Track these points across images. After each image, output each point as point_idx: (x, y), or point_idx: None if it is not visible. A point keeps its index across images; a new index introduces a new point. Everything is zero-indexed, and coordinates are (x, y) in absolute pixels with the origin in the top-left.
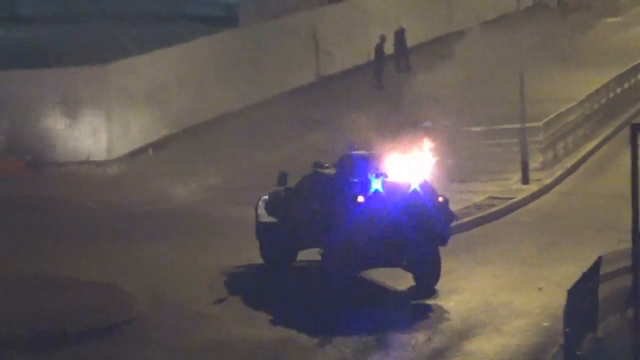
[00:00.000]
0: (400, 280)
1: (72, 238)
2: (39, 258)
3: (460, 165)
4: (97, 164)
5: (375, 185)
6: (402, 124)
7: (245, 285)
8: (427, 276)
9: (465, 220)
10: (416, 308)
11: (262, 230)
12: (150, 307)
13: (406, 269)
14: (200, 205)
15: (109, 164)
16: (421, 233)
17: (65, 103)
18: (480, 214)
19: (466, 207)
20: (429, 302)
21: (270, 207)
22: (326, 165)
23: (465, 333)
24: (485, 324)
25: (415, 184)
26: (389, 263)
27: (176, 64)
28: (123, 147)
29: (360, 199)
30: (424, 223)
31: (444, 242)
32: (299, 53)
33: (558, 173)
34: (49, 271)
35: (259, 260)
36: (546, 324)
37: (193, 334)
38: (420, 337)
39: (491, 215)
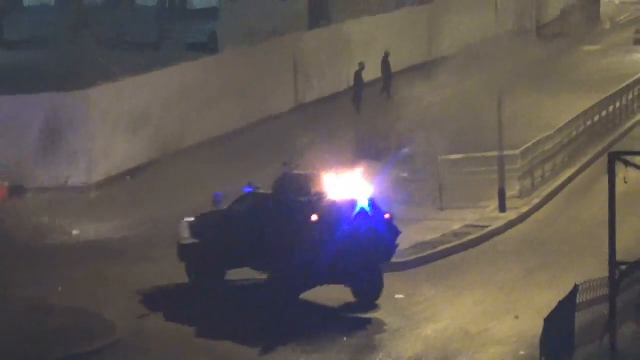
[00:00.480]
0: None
1: (48, 264)
2: (16, 285)
3: (438, 193)
4: (76, 189)
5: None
6: (381, 149)
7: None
8: (373, 291)
9: (442, 247)
10: (393, 335)
11: (184, 252)
12: (131, 332)
13: (347, 284)
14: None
15: (88, 189)
16: (369, 249)
17: (47, 128)
18: (457, 242)
19: (443, 235)
20: (406, 330)
21: (197, 229)
22: (258, 186)
23: None
24: (462, 353)
25: (362, 202)
26: (335, 280)
27: (160, 89)
28: (103, 172)
29: (315, 217)
30: (371, 240)
31: (390, 257)
32: (280, 79)
33: (535, 201)
34: (25, 297)
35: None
36: (522, 353)
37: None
38: None
39: (468, 243)
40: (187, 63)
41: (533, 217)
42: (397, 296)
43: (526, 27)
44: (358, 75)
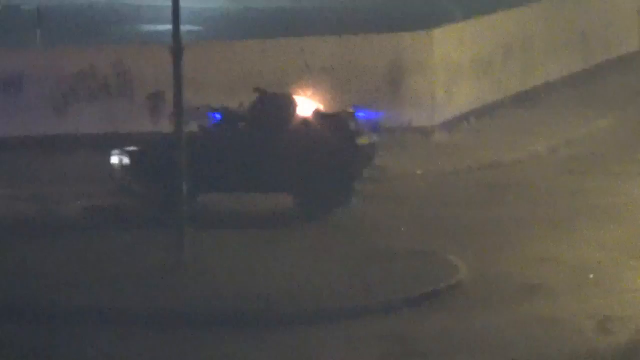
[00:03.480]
0: None
1: (401, 205)
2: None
3: None
4: (420, 130)
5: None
6: None
7: None
8: (349, 200)
9: None
10: None
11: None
12: (473, 276)
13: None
14: (524, 173)
15: (432, 130)
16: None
17: (391, 68)
18: None
19: None
20: None
21: (147, 160)
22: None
23: None
24: None
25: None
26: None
27: (502, 31)
28: (446, 114)
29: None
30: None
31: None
32: (624, 19)
33: None
34: (373, 242)
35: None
36: None
37: (520, 306)
38: None
39: None
40: (530, 4)
41: None
42: None
43: None
44: None
